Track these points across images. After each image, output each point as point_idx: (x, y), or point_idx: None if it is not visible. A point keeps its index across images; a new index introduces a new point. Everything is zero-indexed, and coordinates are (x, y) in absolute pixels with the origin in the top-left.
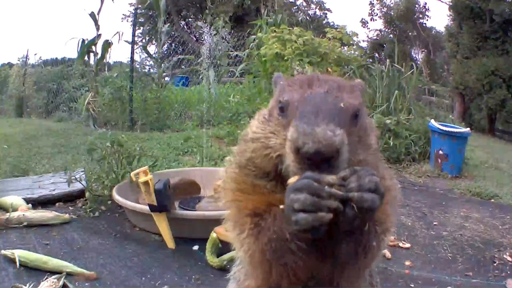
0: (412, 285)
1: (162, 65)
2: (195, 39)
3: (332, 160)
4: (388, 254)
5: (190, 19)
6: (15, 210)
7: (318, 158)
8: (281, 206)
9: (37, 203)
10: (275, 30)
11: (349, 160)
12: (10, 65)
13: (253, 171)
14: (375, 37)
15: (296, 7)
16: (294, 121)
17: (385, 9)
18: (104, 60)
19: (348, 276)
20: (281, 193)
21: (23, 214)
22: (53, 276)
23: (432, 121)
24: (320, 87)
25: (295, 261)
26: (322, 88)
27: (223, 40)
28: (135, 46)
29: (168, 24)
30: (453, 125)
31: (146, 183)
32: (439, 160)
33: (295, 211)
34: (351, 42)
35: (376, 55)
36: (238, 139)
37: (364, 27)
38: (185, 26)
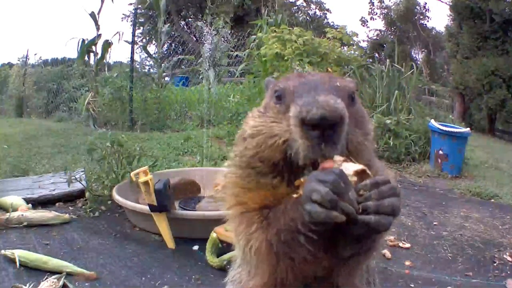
0: (412, 285)
1: (162, 65)
2: (195, 39)
3: (337, 127)
4: (388, 254)
5: (190, 19)
6: (15, 210)
7: (324, 123)
8: (294, 195)
9: (37, 203)
10: (275, 30)
11: (348, 140)
12: (10, 65)
13: (258, 168)
14: (375, 37)
15: (296, 7)
16: (293, 102)
17: (385, 10)
18: (104, 60)
19: (345, 270)
20: (287, 188)
21: (23, 214)
22: (53, 276)
23: (432, 121)
24: (313, 76)
25: (303, 254)
26: (315, 77)
27: (223, 40)
28: (135, 46)
29: (168, 24)
30: (453, 125)
31: (146, 183)
32: (439, 160)
33: (312, 201)
34: (351, 42)
35: (376, 55)
36: (235, 141)
37: (363, 25)
38: (185, 26)
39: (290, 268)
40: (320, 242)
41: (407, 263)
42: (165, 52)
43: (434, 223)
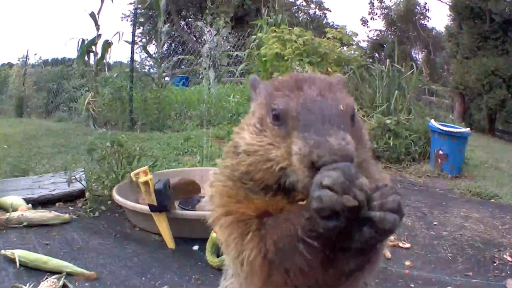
0: (412, 285)
1: (162, 65)
2: (195, 39)
3: None
4: (388, 254)
5: (190, 19)
6: (15, 210)
7: None
8: (300, 203)
9: (37, 203)
10: (275, 30)
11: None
12: (10, 65)
13: (249, 185)
14: (375, 37)
15: (296, 7)
16: (298, 132)
17: (385, 11)
18: (104, 60)
19: (347, 285)
20: (282, 201)
21: (23, 214)
22: (53, 276)
23: (432, 121)
24: (311, 89)
25: (299, 264)
26: (314, 90)
27: (223, 40)
28: (135, 46)
29: (168, 24)
30: (453, 125)
31: (146, 183)
32: (439, 160)
33: (322, 187)
34: (351, 42)
35: (376, 55)
36: (226, 150)
37: (364, 25)
38: (185, 26)
39: (283, 281)
40: (319, 251)
41: (407, 263)
42: (165, 52)
43: (434, 223)
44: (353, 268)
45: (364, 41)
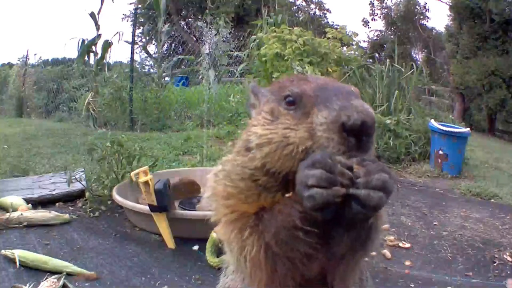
0: (412, 285)
1: (162, 65)
2: (195, 39)
3: (372, 133)
4: (388, 254)
5: (190, 19)
6: (15, 210)
7: (363, 129)
8: (287, 195)
9: (37, 203)
10: (275, 30)
11: None
12: (10, 65)
13: (261, 181)
14: (375, 38)
15: (296, 7)
16: (318, 107)
17: (385, 11)
18: (104, 60)
19: (341, 271)
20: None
21: (23, 214)
22: (53, 276)
23: (432, 121)
24: (318, 80)
25: (303, 250)
26: (321, 81)
27: (223, 40)
28: (135, 46)
29: (168, 24)
30: (453, 125)
31: (146, 183)
32: (439, 160)
33: (309, 187)
34: (351, 42)
35: (376, 55)
36: (236, 150)
37: (365, 26)
38: (185, 26)
39: (290, 271)
40: (319, 233)
41: (407, 263)
42: (165, 52)
43: (434, 223)
44: (343, 246)
45: (364, 41)
